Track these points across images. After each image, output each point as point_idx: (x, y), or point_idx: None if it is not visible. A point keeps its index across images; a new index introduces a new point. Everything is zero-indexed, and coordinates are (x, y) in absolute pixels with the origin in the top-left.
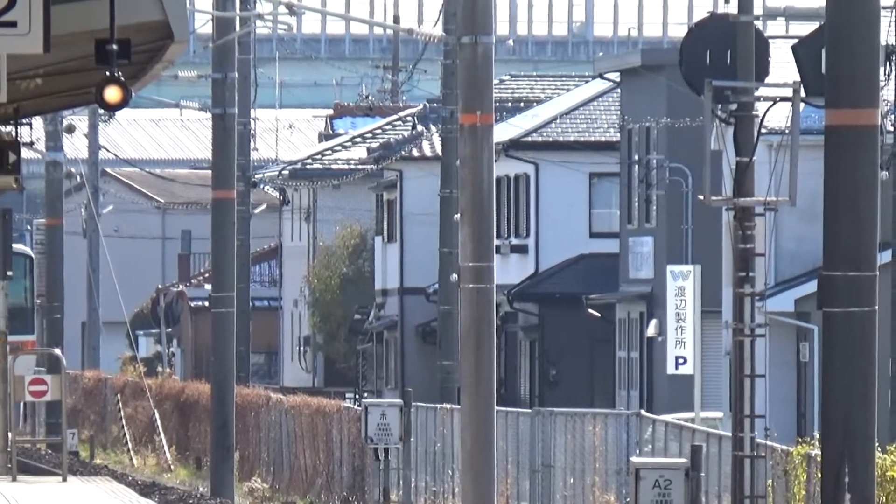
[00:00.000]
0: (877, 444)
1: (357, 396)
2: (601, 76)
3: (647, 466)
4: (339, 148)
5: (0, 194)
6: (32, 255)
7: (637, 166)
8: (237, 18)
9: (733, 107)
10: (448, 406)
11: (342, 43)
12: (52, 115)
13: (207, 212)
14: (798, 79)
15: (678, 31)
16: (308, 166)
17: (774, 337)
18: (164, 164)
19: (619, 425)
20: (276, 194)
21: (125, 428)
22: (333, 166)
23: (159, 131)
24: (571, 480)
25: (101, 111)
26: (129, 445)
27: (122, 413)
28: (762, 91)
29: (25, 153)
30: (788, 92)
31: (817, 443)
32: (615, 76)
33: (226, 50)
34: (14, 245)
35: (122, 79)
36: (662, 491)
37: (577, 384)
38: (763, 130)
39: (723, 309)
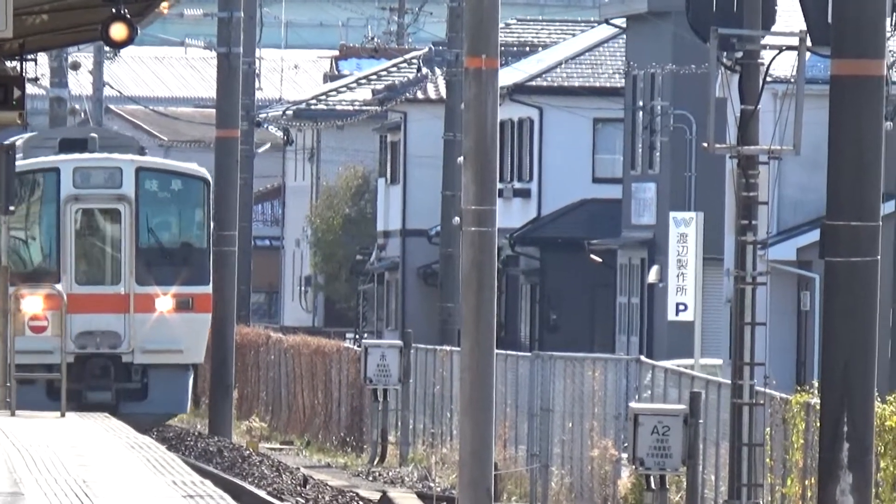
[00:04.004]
0: (876, 394)
1: (357, 337)
2: (607, 22)
3: (646, 412)
4: (343, 89)
5: (4, 129)
6: (209, 179)
7: (641, 112)
8: None
9: (739, 55)
10: (448, 348)
11: None
12: (56, 52)
13: (211, 150)
14: (804, 28)
15: None
16: (312, 107)
17: (775, 285)
18: (168, 102)
19: (618, 371)
20: (280, 134)
21: None
22: (338, 107)
23: (164, 69)
24: (570, 425)
25: (107, 48)
26: None
27: None
28: (768, 39)
29: (30, 89)
30: (794, 41)
31: (817, 391)
32: (621, 22)
33: None
34: (185, 164)
35: (128, 16)
36: (661, 437)
37: (578, 329)
38: (768, 79)
39: (724, 256)
